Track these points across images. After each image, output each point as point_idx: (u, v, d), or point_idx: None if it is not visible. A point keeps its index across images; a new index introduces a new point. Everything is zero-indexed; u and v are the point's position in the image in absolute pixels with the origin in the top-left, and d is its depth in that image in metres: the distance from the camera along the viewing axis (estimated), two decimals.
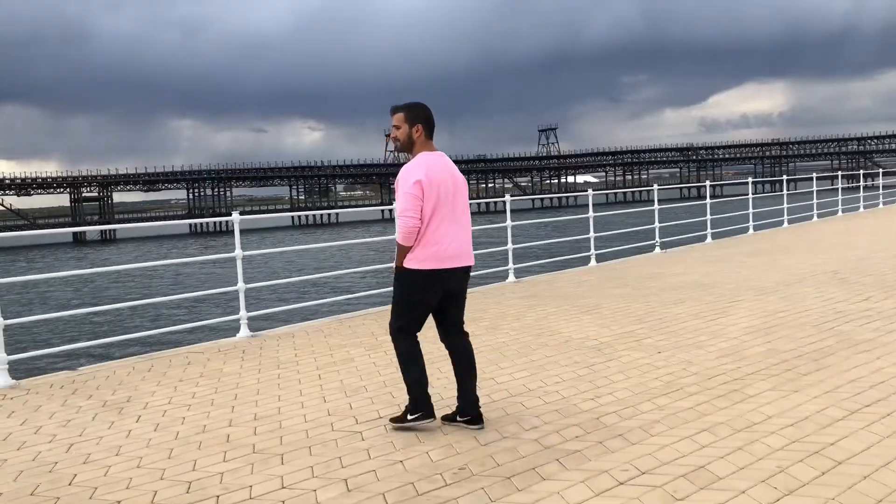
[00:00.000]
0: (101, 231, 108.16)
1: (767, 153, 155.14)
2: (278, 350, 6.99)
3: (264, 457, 4.12)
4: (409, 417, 4.41)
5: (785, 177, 19.67)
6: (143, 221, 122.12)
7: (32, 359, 6.71)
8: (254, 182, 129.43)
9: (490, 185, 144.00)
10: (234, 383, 5.85)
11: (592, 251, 12.38)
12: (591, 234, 12.42)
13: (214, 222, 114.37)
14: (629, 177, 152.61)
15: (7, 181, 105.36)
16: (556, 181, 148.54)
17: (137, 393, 5.71)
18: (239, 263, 7.95)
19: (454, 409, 4.54)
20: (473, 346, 4.60)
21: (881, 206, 25.54)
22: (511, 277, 10.93)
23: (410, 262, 4.31)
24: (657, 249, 13.95)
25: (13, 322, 6.43)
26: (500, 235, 11.23)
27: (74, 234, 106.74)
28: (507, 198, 11.00)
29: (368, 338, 7.32)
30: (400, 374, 4.54)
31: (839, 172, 23.87)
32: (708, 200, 15.60)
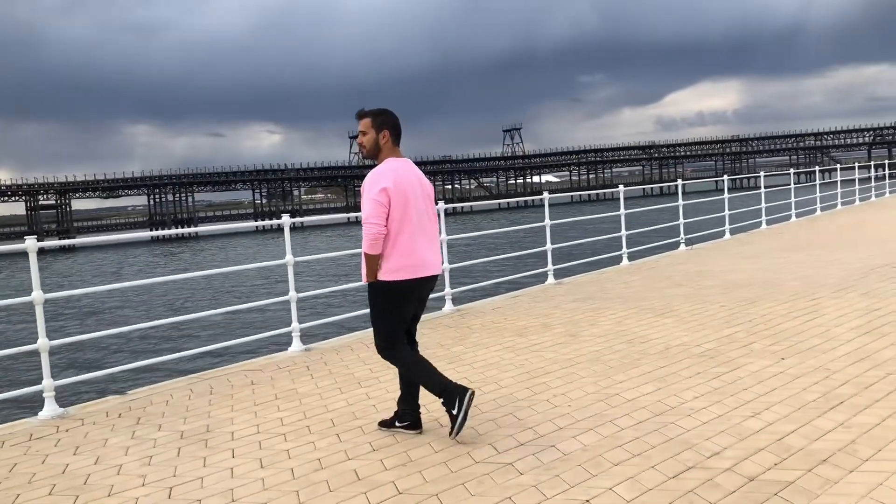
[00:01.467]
0: (60, 238, 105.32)
1: (728, 150, 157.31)
2: (346, 365, 6.34)
3: (417, 498, 3.51)
4: (455, 412, 4.20)
5: (817, 168, 19.27)
6: (102, 230, 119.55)
7: (76, 383, 5.97)
8: (216, 187, 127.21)
9: (456, 185, 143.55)
10: (321, 405, 5.20)
11: (625, 249, 11.92)
12: (623, 233, 11.95)
13: (177, 227, 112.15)
14: (592, 176, 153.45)
15: None
16: (522, 181, 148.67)
17: (214, 421, 5.03)
18: (290, 270, 7.28)
19: (393, 414, 4.58)
20: (564, 355, 4.86)
21: (857, 202, 24.67)
22: (551, 279, 10.41)
23: (385, 275, 4.24)
24: (682, 247, 13.56)
25: (59, 343, 5.70)
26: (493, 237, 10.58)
27: None
28: (546, 195, 10.48)
29: (436, 348, 6.72)
30: (404, 384, 4.50)
31: (837, 167, 23.59)
32: (726, 195, 15.24)
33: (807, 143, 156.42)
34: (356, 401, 5.27)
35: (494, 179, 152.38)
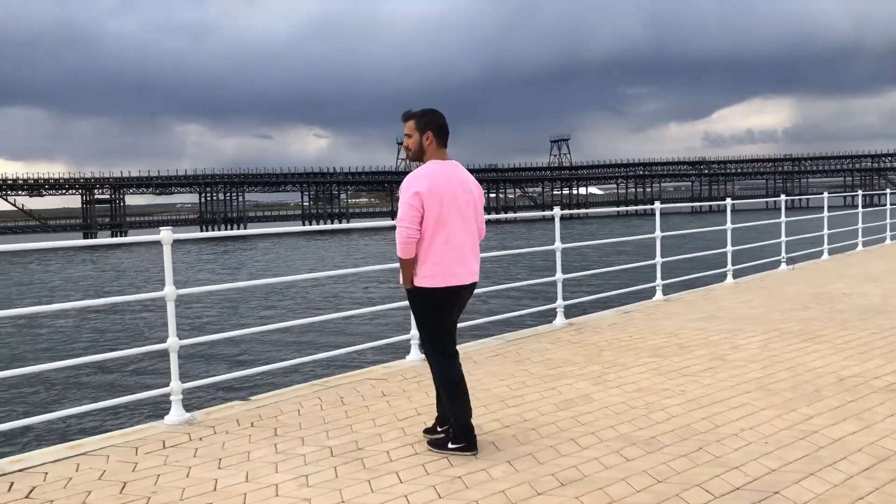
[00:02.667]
0: (112, 232, 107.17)
1: (780, 168, 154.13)
2: (478, 379, 5.87)
3: None
4: (451, 446, 4.19)
5: (860, 193, 18.18)
6: (152, 225, 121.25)
7: (200, 388, 5.61)
8: (265, 188, 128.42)
9: (500, 194, 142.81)
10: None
11: (730, 266, 11.29)
12: (729, 248, 11.32)
13: (226, 228, 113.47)
14: (639, 189, 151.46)
15: (20, 181, 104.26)
16: (567, 191, 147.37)
17: (361, 437, 4.59)
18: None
19: (434, 421, 4.48)
20: (723, 381, 4.80)
21: None
22: (659, 294, 9.83)
23: (421, 281, 4.13)
24: (783, 265, 12.85)
25: (188, 342, 5.33)
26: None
27: (84, 235, 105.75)
28: (658, 204, 9.91)
29: (568, 366, 6.21)
30: (439, 395, 4.38)
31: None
32: (826, 213, 14.47)
33: (863, 164, 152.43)
34: (505, 416, 4.80)
35: (539, 190, 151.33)
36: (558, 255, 8.31)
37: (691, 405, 5.01)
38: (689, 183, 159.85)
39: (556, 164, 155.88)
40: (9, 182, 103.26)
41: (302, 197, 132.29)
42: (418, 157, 4.25)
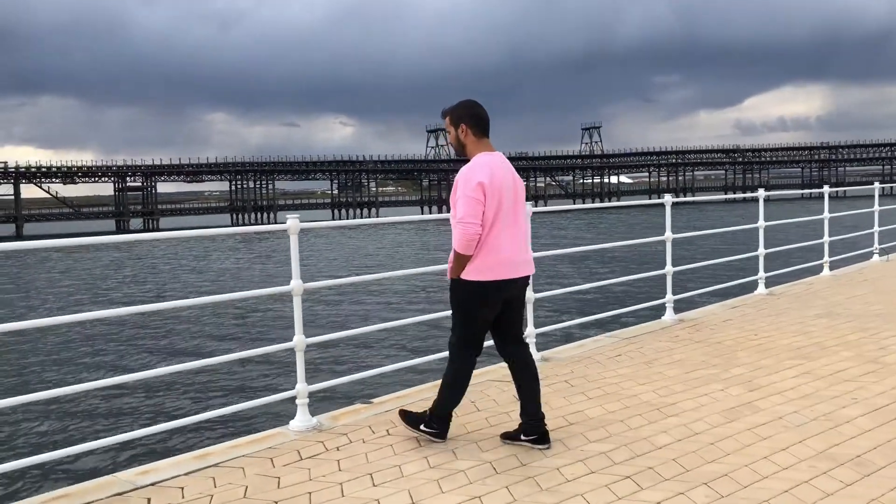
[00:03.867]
0: (143, 220, 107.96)
1: (815, 157, 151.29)
2: (598, 382, 5.38)
3: None
4: (424, 429, 4.25)
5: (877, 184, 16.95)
6: (183, 213, 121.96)
7: (325, 389, 5.16)
8: (294, 176, 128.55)
9: (532, 182, 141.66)
10: (632, 434, 4.24)
11: (826, 258, 10.66)
12: (826, 239, 10.68)
13: (256, 216, 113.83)
14: (672, 178, 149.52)
15: (54, 169, 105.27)
16: (599, 180, 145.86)
17: (519, 450, 4.12)
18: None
19: (517, 426, 4.24)
20: (885, 390, 4.34)
21: None
22: (761, 288, 9.26)
23: (469, 274, 4.00)
24: (875, 257, 12.15)
25: (315, 341, 4.89)
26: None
27: (117, 223, 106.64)
28: (761, 192, 9.32)
29: (702, 367, 5.70)
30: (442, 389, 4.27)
31: None
32: (826, 214, 13.61)
33: None
34: (673, 428, 4.30)
35: (570, 178, 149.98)
36: (668, 245, 7.78)
37: (879, 417, 4.47)
38: (723, 171, 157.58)
39: (587, 153, 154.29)
40: (43, 170, 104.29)
41: (332, 185, 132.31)
42: (460, 150, 4.18)
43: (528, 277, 4.23)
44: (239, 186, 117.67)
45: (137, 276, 36.34)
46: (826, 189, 10.82)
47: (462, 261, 4.02)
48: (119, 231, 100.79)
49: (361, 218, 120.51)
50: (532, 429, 4.14)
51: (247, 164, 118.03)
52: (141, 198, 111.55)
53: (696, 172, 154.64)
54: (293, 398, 4.71)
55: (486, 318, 4.14)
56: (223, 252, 50.66)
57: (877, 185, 12.48)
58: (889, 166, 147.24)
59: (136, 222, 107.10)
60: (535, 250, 5.01)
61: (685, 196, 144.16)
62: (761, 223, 9.20)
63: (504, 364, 6.11)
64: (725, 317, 7.82)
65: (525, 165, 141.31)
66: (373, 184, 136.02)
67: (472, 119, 4.11)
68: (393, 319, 6.26)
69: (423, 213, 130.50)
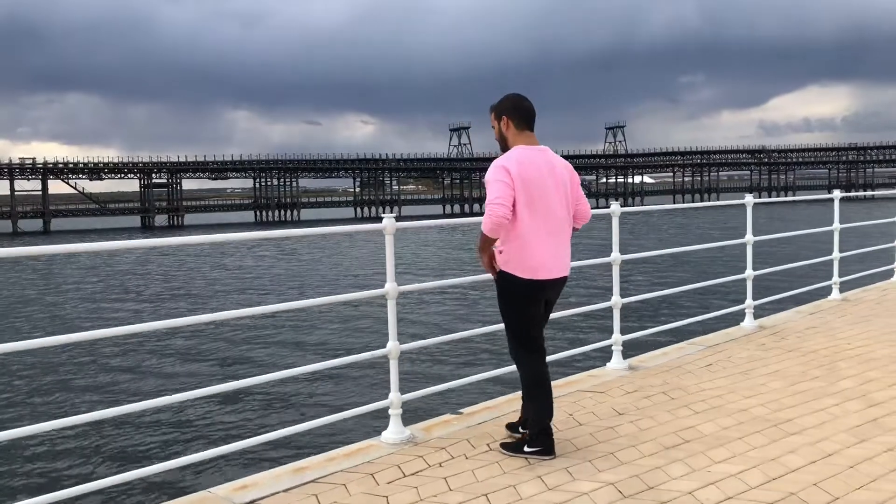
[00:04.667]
0: (169, 216, 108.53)
1: (843, 158, 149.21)
2: (693, 390, 5.06)
3: None
4: (528, 449, 3.99)
5: None
6: (208, 210, 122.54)
7: (414, 400, 4.84)
8: (318, 173, 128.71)
9: None
10: (772, 462, 3.92)
11: None
12: None
13: (280, 214, 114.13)
14: (697, 178, 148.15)
15: (80, 165, 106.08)
16: (622, 180, 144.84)
17: (642, 469, 3.82)
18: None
19: (518, 437, 4.17)
20: None
21: None
22: (835, 293, 8.87)
23: (508, 266, 3.95)
24: None
25: (409, 347, 4.61)
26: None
27: (142, 219, 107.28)
28: (836, 193, 8.93)
29: (805, 380, 5.35)
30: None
31: None
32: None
33: None
34: (802, 449, 3.97)
35: (593, 178, 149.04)
36: (749, 248, 7.42)
37: None
38: (748, 172, 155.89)
39: (610, 152, 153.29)
40: (70, 166, 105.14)
41: (354, 183, 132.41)
42: (504, 145, 4.10)
43: (564, 279, 4.11)
44: (262, 184, 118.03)
45: (182, 277, 35.39)
46: None
47: (487, 242, 3.97)
48: (144, 227, 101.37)
49: (384, 213, 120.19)
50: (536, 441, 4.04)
51: (270, 162, 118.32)
52: (166, 194, 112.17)
53: (721, 173, 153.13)
54: (382, 408, 4.44)
55: (535, 317, 4.05)
56: (244, 252, 50.55)
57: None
58: None
59: (160, 218, 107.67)
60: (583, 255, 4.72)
61: (709, 196, 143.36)
62: (836, 226, 8.81)
63: (591, 371, 5.86)
64: (807, 324, 7.46)
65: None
66: (395, 182, 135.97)
67: (514, 111, 4.04)
68: (471, 324, 6.01)
69: (444, 211, 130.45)
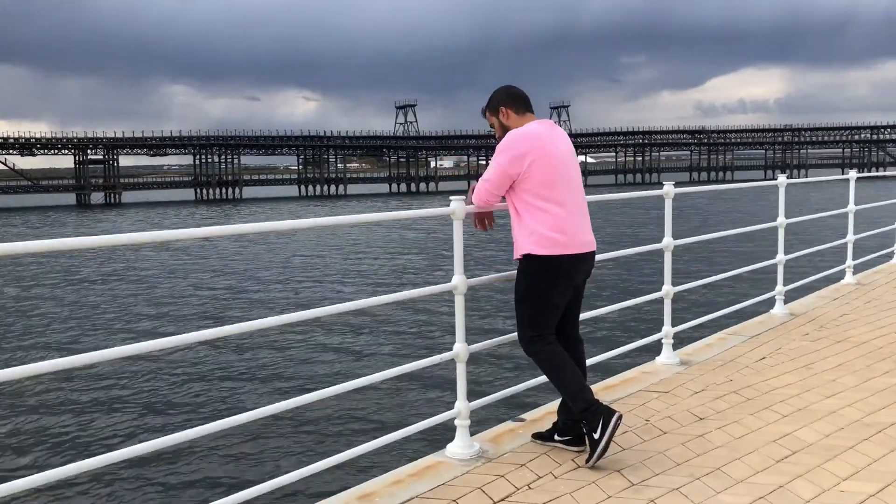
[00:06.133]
0: (105, 195, 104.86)
1: (779, 139, 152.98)
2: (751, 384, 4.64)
3: None
4: (596, 436, 3.54)
5: None
6: (146, 187, 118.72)
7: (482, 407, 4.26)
8: (260, 150, 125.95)
9: None
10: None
11: None
12: None
13: (221, 192, 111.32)
14: (639, 158, 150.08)
15: (11, 140, 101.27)
16: None
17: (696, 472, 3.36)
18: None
19: (551, 425, 3.92)
20: None
21: None
22: (849, 276, 8.62)
23: (535, 248, 3.64)
24: None
25: (479, 347, 4.03)
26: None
27: (77, 196, 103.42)
28: (852, 174, 8.64)
29: (869, 375, 4.99)
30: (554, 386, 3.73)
31: None
32: (852, 191, 13.13)
33: (862, 136, 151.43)
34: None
35: None
36: (781, 232, 7.05)
37: None
38: (686, 152, 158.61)
39: None
40: (0, 141, 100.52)
41: (298, 161, 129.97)
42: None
43: (594, 258, 3.86)
44: (203, 161, 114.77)
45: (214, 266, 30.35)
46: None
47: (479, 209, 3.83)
48: (80, 205, 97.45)
49: (328, 194, 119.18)
50: (569, 429, 3.82)
51: (211, 138, 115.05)
52: (102, 171, 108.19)
53: (662, 153, 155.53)
54: (448, 419, 3.88)
55: (557, 304, 3.73)
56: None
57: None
58: (849, 149, 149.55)
59: (97, 196, 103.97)
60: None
61: (650, 177, 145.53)
62: (851, 207, 8.53)
63: (642, 367, 5.39)
64: (838, 311, 7.14)
65: (493, 144, 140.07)
66: (339, 160, 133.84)
67: (509, 99, 3.86)
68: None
69: (391, 190, 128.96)
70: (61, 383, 13.17)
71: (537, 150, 3.66)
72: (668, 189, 5.40)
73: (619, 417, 3.57)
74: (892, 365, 5.27)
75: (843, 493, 3.32)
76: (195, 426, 3.02)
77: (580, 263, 3.75)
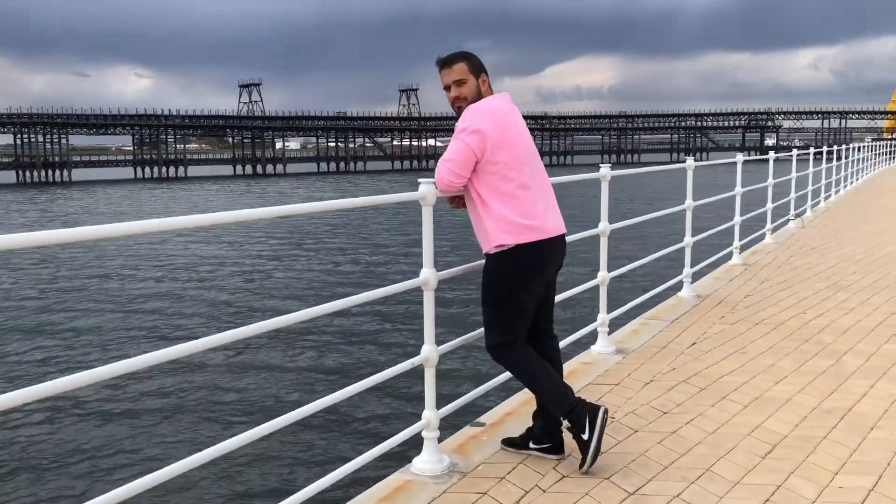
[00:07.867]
0: None
1: (615, 125, 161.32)
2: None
3: None
4: (584, 437, 3.26)
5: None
6: None
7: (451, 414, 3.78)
8: (91, 130, 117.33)
9: (350, 143, 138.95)
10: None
11: (769, 225, 10.55)
12: (769, 206, 10.55)
13: (46, 174, 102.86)
14: None
15: None
16: (417, 143, 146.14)
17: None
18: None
19: (524, 431, 3.58)
20: None
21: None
22: (736, 257, 8.89)
23: (503, 238, 3.27)
24: (791, 224, 12.34)
25: (449, 347, 3.57)
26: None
27: None
28: (739, 157, 8.88)
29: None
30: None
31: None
32: (801, 171, 14.09)
33: (687, 122, 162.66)
34: None
35: (388, 140, 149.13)
36: (688, 214, 7.08)
37: None
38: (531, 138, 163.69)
39: (405, 115, 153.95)
40: None
41: (133, 141, 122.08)
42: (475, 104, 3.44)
43: (565, 244, 3.52)
44: (25, 140, 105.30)
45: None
46: (772, 155, 10.65)
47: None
48: None
49: (167, 176, 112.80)
50: (546, 436, 3.50)
51: (35, 116, 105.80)
52: None
53: None
54: (414, 431, 3.43)
55: (528, 305, 3.39)
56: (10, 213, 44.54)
57: (794, 151, 12.63)
58: (677, 135, 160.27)
59: None
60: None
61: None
62: (738, 190, 8.78)
63: (580, 357, 5.16)
64: (739, 291, 7.30)
65: (343, 126, 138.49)
66: (177, 140, 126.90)
67: (485, 70, 3.47)
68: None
69: (235, 172, 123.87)
70: None
71: (503, 128, 3.31)
72: (605, 172, 5.19)
73: (606, 412, 3.30)
74: (816, 346, 5.34)
75: (842, 490, 3.19)
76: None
77: (554, 250, 3.40)
